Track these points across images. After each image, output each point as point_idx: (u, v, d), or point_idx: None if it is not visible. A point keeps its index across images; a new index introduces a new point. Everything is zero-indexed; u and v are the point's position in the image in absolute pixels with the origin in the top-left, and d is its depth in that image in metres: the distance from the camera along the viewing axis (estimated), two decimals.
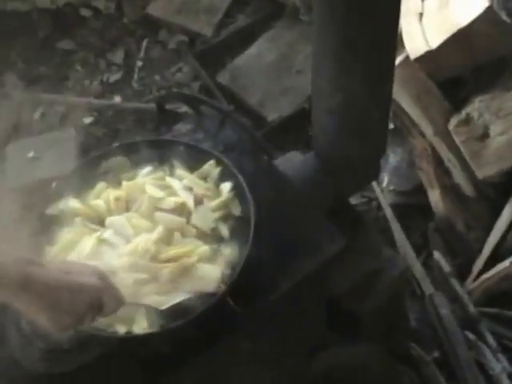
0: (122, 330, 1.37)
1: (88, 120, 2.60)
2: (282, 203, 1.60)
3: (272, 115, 2.43)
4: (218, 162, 1.58)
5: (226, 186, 1.54)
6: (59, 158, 2.25)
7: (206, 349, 1.44)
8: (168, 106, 1.84)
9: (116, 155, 1.62)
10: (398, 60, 2.08)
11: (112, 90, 2.72)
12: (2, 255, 1.11)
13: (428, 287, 2.10)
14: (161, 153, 1.61)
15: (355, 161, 1.72)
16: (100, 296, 1.23)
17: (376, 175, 1.88)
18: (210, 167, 1.58)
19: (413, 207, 2.25)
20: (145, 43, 2.88)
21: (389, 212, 2.23)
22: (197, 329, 1.38)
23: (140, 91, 2.68)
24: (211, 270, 1.42)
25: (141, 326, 1.37)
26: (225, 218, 1.51)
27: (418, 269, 2.14)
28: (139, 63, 2.81)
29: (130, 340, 1.38)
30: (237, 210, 1.52)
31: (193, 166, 1.58)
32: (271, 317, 1.58)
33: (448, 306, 2.04)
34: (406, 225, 2.23)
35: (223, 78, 2.58)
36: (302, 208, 1.60)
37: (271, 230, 1.52)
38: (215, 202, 1.51)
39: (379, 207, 2.27)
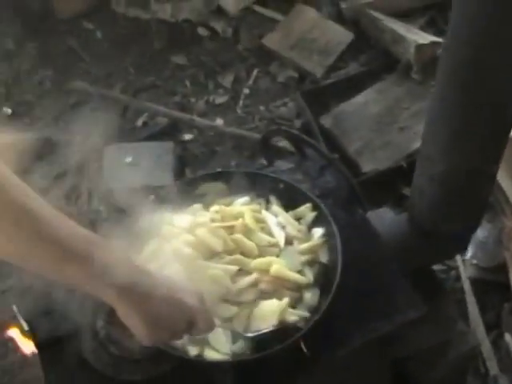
0: (193, 351, 1.40)
1: (188, 136, 2.66)
2: (369, 259, 1.61)
3: (367, 166, 2.44)
4: (315, 207, 1.59)
5: (318, 232, 1.55)
6: (156, 168, 2.30)
7: None
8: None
9: (216, 180, 1.66)
10: None
11: (216, 112, 2.77)
12: (116, 258, 1.15)
13: (493, 367, 2.07)
14: (260, 186, 1.64)
15: (447, 231, 1.72)
16: (195, 317, 1.26)
17: (464, 248, 1.87)
18: (306, 210, 1.60)
19: (491, 284, 2.23)
20: (255, 72, 2.92)
21: (467, 285, 2.21)
22: (266, 365, 1.41)
23: (242, 118, 2.72)
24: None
25: (212, 352, 1.40)
26: (311, 263, 1.52)
27: (486, 346, 2.11)
28: (246, 90, 2.85)
29: (199, 363, 1.40)
30: (324, 257, 1.53)
31: (289, 204, 1.61)
32: (338, 370, 1.60)
33: None
34: (481, 300, 2.20)
35: (326, 120, 2.60)
36: (387, 268, 1.61)
37: (354, 283, 1.53)
38: (305, 246, 1.53)
39: (458, 278, 2.25)
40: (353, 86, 2.70)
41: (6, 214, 1.06)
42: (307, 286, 1.49)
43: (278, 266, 1.46)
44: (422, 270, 1.82)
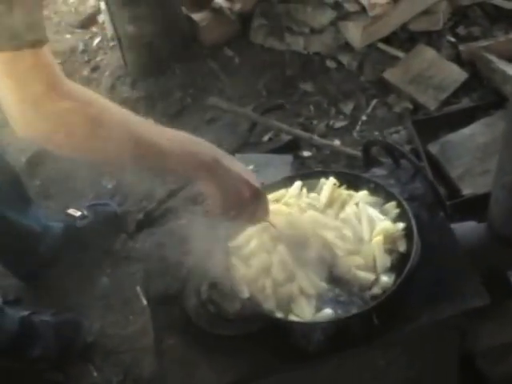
0: (279, 315, 1.67)
1: (307, 153, 2.95)
2: (443, 253, 1.83)
3: (467, 190, 2.64)
4: (399, 205, 1.84)
5: (400, 225, 1.80)
6: (274, 176, 2.59)
7: (342, 351, 1.69)
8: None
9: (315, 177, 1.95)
10: None
11: (334, 134, 3.05)
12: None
13: None
14: (358, 185, 1.92)
15: None
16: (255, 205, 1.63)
17: None
18: (391, 207, 1.85)
19: None
20: (374, 102, 3.18)
21: None
22: (342, 329, 1.65)
23: (358, 141, 2.98)
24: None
25: (295, 317, 1.66)
26: (390, 251, 1.77)
27: None
28: (364, 117, 3.11)
29: (282, 323, 1.66)
30: (402, 247, 1.77)
31: (379, 202, 1.88)
32: (409, 347, 1.83)
33: None
34: None
35: (433, 147, 2.82)
36: (459, 262, 1.83)
37: (428, 272, 1.76)
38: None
39: None
40: (462, 119, 2.90)
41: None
42: (384, 270, 1.75)
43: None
44: (496, 274, 2.03)
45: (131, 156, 1.42)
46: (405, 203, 1.83)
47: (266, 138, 3.04)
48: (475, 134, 2.86)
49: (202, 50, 3.45)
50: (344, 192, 1.89)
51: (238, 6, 3.37)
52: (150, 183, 2.99)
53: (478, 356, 1.99)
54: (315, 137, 2.95)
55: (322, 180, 1.93)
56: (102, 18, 3.73)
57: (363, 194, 1.89)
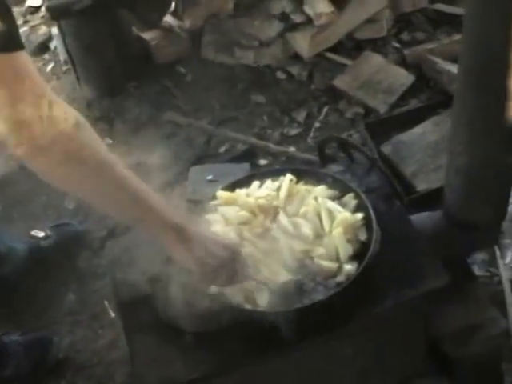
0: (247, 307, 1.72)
1: (264, 161, 3.02)
2: (402, 240, 1.90)
3: (421, 186, 2.72)
4: (356, 196, 1.91)
5: (359, 216, 1.86)
6: None
7: (309, 339, 1.74)
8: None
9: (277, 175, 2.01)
10: None
11: (289, 142, 3.12)
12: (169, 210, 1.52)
13: None
14: (315, 180, 1.98)
15: (475, 221, 2.00)
16: (233, 265, 1.61)
17: (495, 240, 2.14)
18: (349, 198, 1.92)
19: None
20: (325, 109, 3.26)
21: (507, 286, 2.45)
22: (308, 317, 1.71)
23: (313, 147, 3.04)
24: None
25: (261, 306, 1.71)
26: (352, 241, 1.83)
27: None
28: (317, 124, 3.19)
29: (250, 314, 1.70)
30: (362, 236, 1.83)
31: (337, 195, 1.94)
32: (375, 333, 1.88)
33: None
34: None
35: (386, 148, 2.89)
36: (418, 247, 1.90)
37: (389, 257, 1.83)
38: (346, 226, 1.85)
39: (500, 282, 2.50)
40: (412, 119, 2.98)
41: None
42: (347, 259, 1.81)
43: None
44: (455, 258, 2.10)
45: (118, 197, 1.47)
46: (362, 194, 1.90)
47: (222, 149, 3.10)
48: (425, 132, 2.95)
49: (155, 68, 3.50)
50: (302, 187, 1.95)
51: (187, 24, 3.43)
52: None
53: (443, 339, 2.05)
54: (271, 145, 3.02)
55: (281, 178, 1.99)
56: (54, 44, 3.76)
57: (321, 188, 1.95)
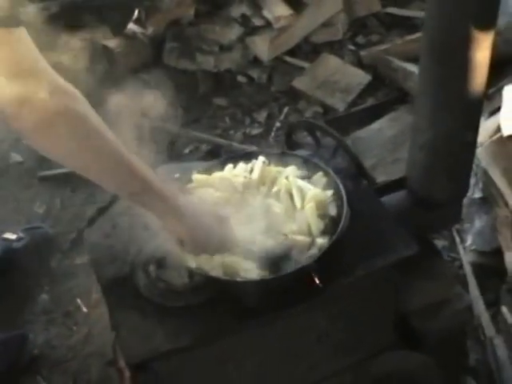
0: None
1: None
2: (370, 214, 1.99)
3: (381, 178, 2.81)
4: (325, 174, 2.00)
5: (329, 192, 1.95)
6: None
7: (286, 308, 1.81)
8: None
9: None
10: (494, 137, 2.47)
11: (251, 141, 3.21)
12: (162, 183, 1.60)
13: (491, 332, 2.40)
14: (286, 163, 2.06)
15: (439, 198, 2.09)
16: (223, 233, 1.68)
17: (457, 218, 2.23)
18: (319, 177, 2.00)
19: (490, 269, 2.57)
20: (286, 109, 3.38)
21: (468, 269, 2.56)
22: (282, 287, 1.78)
23: (273, 145, 3.15)
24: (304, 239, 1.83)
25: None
26: (323, 216, 1.91)
27: (485, 318, 2.44)
28: (278, 124, 3.30)
29: (229, 285, 1.77)
30: (333, 211, 1.91)
31: (307, 175, 2.02)
32: (346, 305, 1.96)
33: (506, 351, 2.33)
34: (481, 283, 2.54)
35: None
36: (386, 220, 1.99)
37: (358, 231, 1.91)
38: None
39: (461, 266, 2.60)
40: (369, 116, 3.11)
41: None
42: (319, 233, 1.89)
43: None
44: (420, 236, 2.19)
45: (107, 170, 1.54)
46: (331, 172, 1.98)
47: (187, 150, 3.18)
48: (383, 128, 3.06)
49: (119, 75, 3.56)
50: (273, 169, 2.03)
51: (150, 31, 3.51)
52: (79, 205, 3.10)
53: (411, 314, 2.13)
54: (234, 143, 3.10)
55: (253, 161, 2.07)
56: None
57: (291, 168, 2.02)
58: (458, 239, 2.67)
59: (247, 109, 3.40)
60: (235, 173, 2.03)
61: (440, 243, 2.67)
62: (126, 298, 1.87)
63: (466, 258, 2.60)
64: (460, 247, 2.64)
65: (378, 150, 2.95)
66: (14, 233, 2.88)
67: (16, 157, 3.38)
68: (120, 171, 1.56)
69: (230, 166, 2.06)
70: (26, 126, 1.39)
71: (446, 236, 2.71)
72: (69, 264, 2.86)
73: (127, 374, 1.92)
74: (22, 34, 1.39)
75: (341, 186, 1.92)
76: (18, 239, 2.85)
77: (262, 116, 3.34)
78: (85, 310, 2.67)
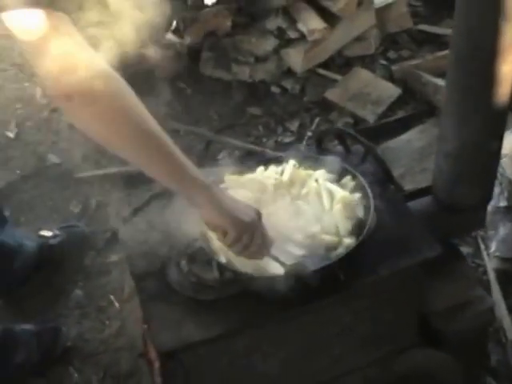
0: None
1: None
2: (396, 216, 2.06)
3: (408, 186, 2.89)
4: (354, 178, 2.08)
5: (357, 195, 2.03)
6: None
7: (312, 303, 1.89)
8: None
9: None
10: None
11: (283, 149, 3.26)
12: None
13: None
14: (315, 166, 2.14)
15: (463, 203, 2.16)
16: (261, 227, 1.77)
17: (481, 224, 2.30)
18: (347, 180, 2.08)
19: None
20: (317, 120, 3.46)
21: (491, 275, 2.62)
22: (309, 282, 1.85)
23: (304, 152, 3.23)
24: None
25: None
26: (350, 218, 1.99)
27: (507, 321, 2.50)
28: (309, 133, 3.39)
29: (258, 280, 1.84)
30: (360, 213, 1.99)
31: (336, 178, 2.10)
32: (371, 302, 2.03)
33: None
34: (504, 288, 2.60)
35: None
36: (410, 222, 2.06)
37: (384, 232, 1.98)
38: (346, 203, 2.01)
39: (485, 272, 2.67)
40: (399, 128, 3.17)
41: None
42: (347, 234, 1.96)
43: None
44: (444, 240, 2.26)
45: (144, 149, 1.59)
46: (359, 175, 2.06)
47: (220, 156, 3.27)
48: (412, 139, 3.13)
49: (158, 83, 3.67)
50: (303, 172, 2.11)
51: (187, 41, 3.62)
52: (114, 205, 3.19)
53: (434, 315, 2.20)
54: (267, 150, 3.19)
55: (283, 164, 2.15)
56: None
57: (321, 172, 2.11)
58: (482, 246, 2.74)
59: (280, 118, 3.49)
60: (266, 175, 2.11)
61: (465, 250, 2.73)
62: (157, 291, 1.96)
63: (490, 265, 2.67)
64: (484, 254, 2.70)
65: (407, 160, 3.02)
66: (50, 230, 2.98)
67: (53, 158, 3.49)
68: (163, 161, 1.62)
69: (261, 169, 2.14)
70: (74, 107, 1.48)
71: (471, 243, 2.77)
72: (102, 262, 2.95)
73: (157, 364, 2.01)
74: (68, 19, 1.46)
75: (368, 189, 2.00)
76: (54, 236, 2.95)
77: (294, 125, 3.43)
78: (117, 305, 2.75)
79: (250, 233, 1.72)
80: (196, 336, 1.84)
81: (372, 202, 1.97)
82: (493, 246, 2.68)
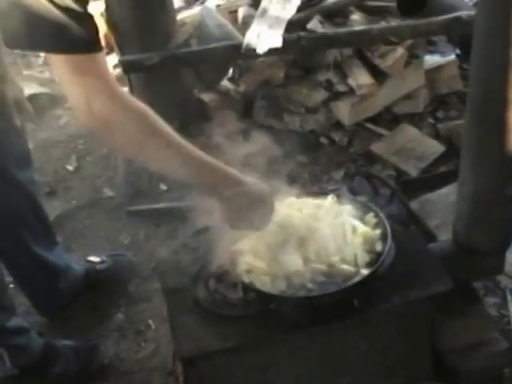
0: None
1: None
2: (414, 253, 2.18)
3: (443, 236, 2.98)
4: (376, 215, 2.21)
5: (377, 231, 2.16)
6: None
7: (326, 324, 2.03)
8: None
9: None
10: None
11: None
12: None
13: None
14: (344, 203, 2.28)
15: (480, 246, 2.26)
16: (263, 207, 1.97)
17: (499, 268, 2.38)
18: (370, 217, 2.21)
19: None
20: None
21: None
22: (324, 304, 1.99)
23: None
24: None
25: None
26: (369, 251, 2.12)
27: None
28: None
29: (277, 299, 2.01)
30: (379, 248, 2.12)
31: (360, 215, 2.24)
32: (385, 330, 2.14)
33: None
34: None
35: (414, 204, 3.19)
36: (426, 259, 2.18)
37: (400, 265, 2.11)
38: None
39: (509, 323, 2.73)
40: (439, 182, 3.28)
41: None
42: (364, 265, 2.09)
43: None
44: (463, 284, 2.36)
45: (175, 161, 1.81)
46: (380, 213, 2.19)
47: None
48: (450, 193, 3.21)
49: (210, 127, 3.87)
50: (334, 206, 2.25)
51: (242, 88, 3.82)
52: (162, 238, 3.37)
53: (448, 353, 2.28)
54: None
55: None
56: None
57: (348, 207, 2.25)
58: (509, 297, 2.80)
59: (326, 167, 3.63)
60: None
61: (492, 300, 2.80)
62: (185, 305, 2.13)
63: None
64: (510, 305, 2.76)
65: (443, 212, 3.11)
66: (98, 257, 3.17)
67: (108, 192, 3.71)
68: (186, 167, 1.83)
69: (292, 199, 2.30)
70: (103, 134, 1.74)
71: (498, 294, 2.84)
72: (146, 289, 3.11)
73: (181, 377, 2.15)
74: (102, 58, 1.70)
75: (387, 226, 2.13)
76: (101, 262, 3.13)
77: (338, 175, 3.56)
78: (154, 328, 2.90)
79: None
80: (215, 346, 1.99)
81: (389, 237, 2.10)
82: None
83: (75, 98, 1.67)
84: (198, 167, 1.86)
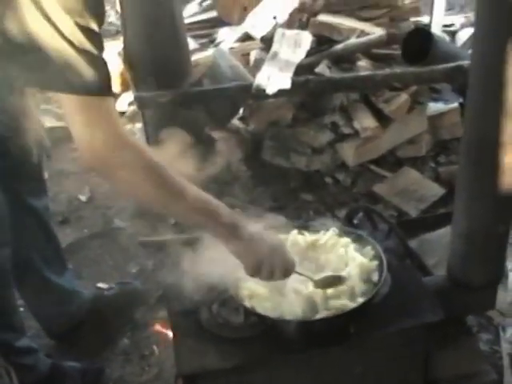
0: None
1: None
2: (408, 285, 2.29)
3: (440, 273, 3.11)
4: (373, 248, 2.33)
5: (374, 262, 2.28)
6: None
7: (323, 348, 2.13)
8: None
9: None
10: None
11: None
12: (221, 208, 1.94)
13: None
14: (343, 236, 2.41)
15: (473, 282, 2.38)
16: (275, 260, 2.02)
17: (491, 303, 2.49)
18: (368, 249, 2.34)
19: None
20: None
21: (506, 361, 2.78)
22: (321, 329, 2.10)
23: None
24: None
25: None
26: (367, 281, 2.24)
27: None
28: (355, 221, 3.62)
29: (276, 323, 2.11)
30: (375, 278, 2.23)
31: (358, 248, 2.36)
32: (380, 356, 2.25)
33: None
34: None
35: (413, 243, 3.30)
36: (419, 291, 2.29)
37: (394, 296, 2.22)
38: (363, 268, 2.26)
39: (500, 358, 2.83)
40: (438, 223, 3.39)
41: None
42: (361, 294, 2.20)
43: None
44: (456, 319, 2.46)
45: (179, 206, 1.86)
46: (377, 246, 2.31)
47: None
48: (447, 233, 3.29)
49: (220, 163, 4.00)
50: (333, 238, 2.38)
51: (251, 128, 3.97)
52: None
53: (441, 382, 2.38)
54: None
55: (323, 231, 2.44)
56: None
57: (346, 240, 2.37)
58: (502, 334, 2.90)
59: (330, 205, 3.76)
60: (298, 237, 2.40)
61: (486, 336, 2.90)
62: (188, 327, 2.24)
63: (505, 349, 2.82)
64: (503, 341, 2.86)
65: (441, 251, 3.21)
66: (107, 284, 3.29)
67: (119, 222, 3.84)
68: (192, 215, 1.90)
69: (295, 232, 2.42)
70: (114, 177, 1.79)
71: (491, 330, 2.94)
72: (151, 316, 3.22)
73: None
74: (112, 103, 1.76)
75: (384, 259, 2.25)
76: (109, 289, 3.26)
77: (342, 213, 3.68)
78: (157, 353, 3.01)
79: (267, 262, 1.99)
80: (216, 365, 2.10)
81: (385, 269, 2.21)
82: (508, 331, 2.84)
83: (79, 137, 1.71)
84: (204, 217, 1.90)
